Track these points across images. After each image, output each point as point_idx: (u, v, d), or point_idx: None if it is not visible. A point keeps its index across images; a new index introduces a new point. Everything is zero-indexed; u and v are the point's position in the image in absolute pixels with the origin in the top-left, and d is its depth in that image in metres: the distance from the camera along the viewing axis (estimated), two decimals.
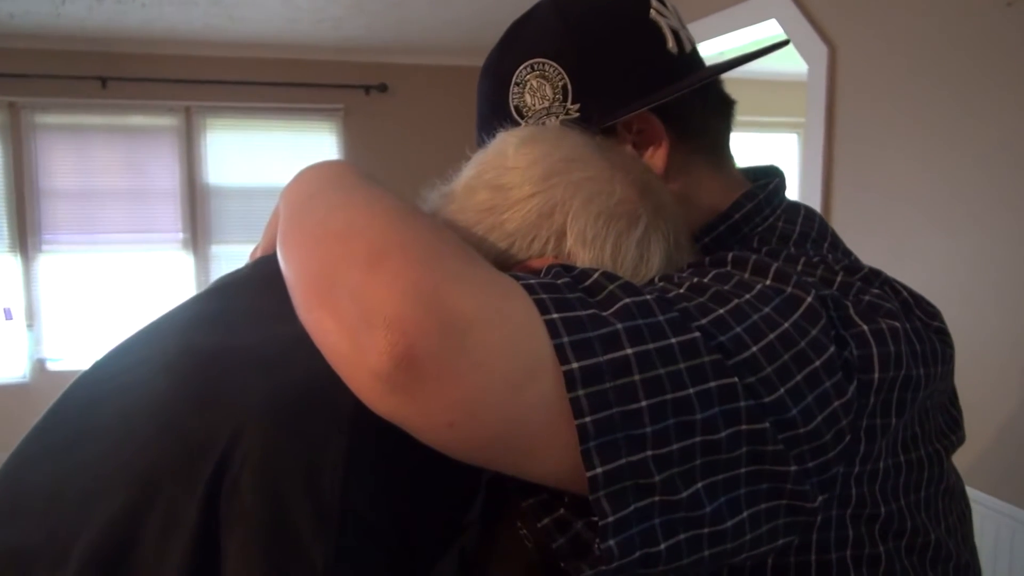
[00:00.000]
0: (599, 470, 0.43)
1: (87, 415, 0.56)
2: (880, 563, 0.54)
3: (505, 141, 0.62)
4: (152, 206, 4.17)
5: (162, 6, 3.35)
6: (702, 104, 0.70)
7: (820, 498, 0.48)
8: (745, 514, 0.46)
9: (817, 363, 0.47)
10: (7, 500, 0.53)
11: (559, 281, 0.48)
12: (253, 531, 0.45)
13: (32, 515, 0.51)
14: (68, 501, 0.50)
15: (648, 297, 0.47)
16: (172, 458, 0.48)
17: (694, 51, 0.72)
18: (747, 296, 0.49)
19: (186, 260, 4.22)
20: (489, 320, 0.43)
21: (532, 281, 0.47)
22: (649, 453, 0.43)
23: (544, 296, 0.45)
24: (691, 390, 0.44)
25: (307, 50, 4.17)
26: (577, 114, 0.66)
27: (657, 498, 0.44)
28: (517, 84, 0.68)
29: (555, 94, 0.67)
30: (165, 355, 0.56)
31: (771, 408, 0.46)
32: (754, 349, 0.46)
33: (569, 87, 0.66)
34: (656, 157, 0.67)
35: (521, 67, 0.68)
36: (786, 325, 0.48)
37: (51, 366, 4.07)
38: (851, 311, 0.51)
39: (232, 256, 4.22)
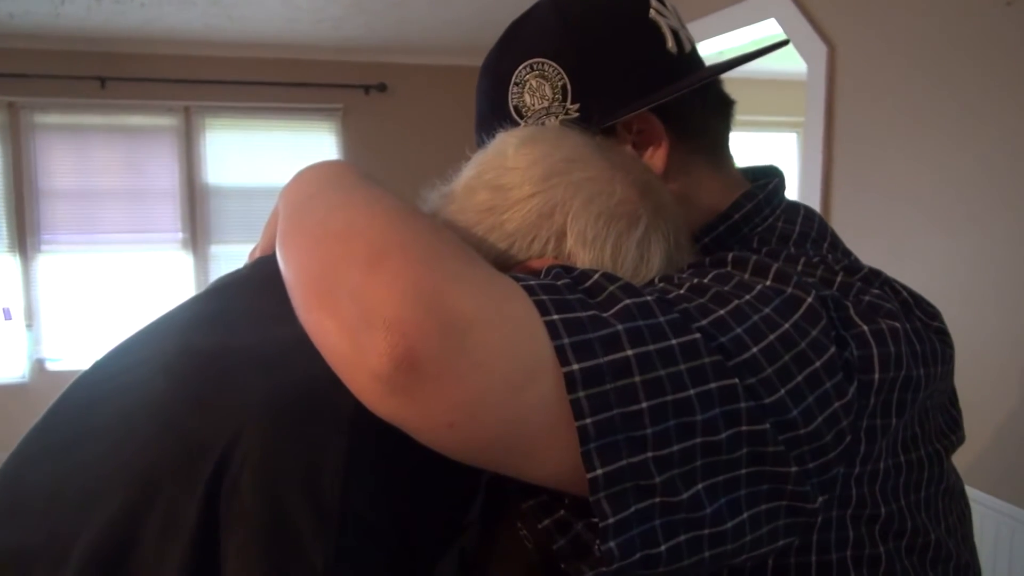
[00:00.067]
0: (599, 471, 0.43)
1: (87, 415, 0.56)
2: (880, 563, 0.54)
3: (505, 141, 0.62)
4: (151, 206, 4.16)
5: (161, 6, 3.35)
6: (702, 104, 0.70)
7: (821, 499, 0.48)
8: (745, 515, 0.46)
9: (817, 364, 0.47)
10: (7, 500, 0.53)
11: (559, 282, 0.48)
12: (253, 531, 0.45)
13: (32, 515, 0.51)
14: (68, 501, 0.50)
15: (648, 298, 0.47)
16: (172, 458, 0.48)
17: (694, 51, 0.72)
18: (747, 297, 0.49)
19: (185, 260, 4.21)
20: (489, 321, 0.43)
21: (532, 282, 0.47)
22: (650, 454, 0.43)
23: (544, 297, 0.45)
24: (692, 391, 0.44)
25: (307, 50, 4.17)
26: (577, 114, 0.66)
27: (658, 499, 0.44)
28: (516, 84, 0.68)
29: (554, 94, 0.67)
30: (164, 355, 0.56)
31: (772, 409, 0.46)
32: (754, 350, 0.46)
33: (568, 87, 0.66)
34: (656, 157, 0.67)
35: (520, 67, 0.68)
36: (786, 326, 0.48)
37: (50, 366, 4.06)
38: (851, 311, 0.51)
39: (231, 256, 4.22)
